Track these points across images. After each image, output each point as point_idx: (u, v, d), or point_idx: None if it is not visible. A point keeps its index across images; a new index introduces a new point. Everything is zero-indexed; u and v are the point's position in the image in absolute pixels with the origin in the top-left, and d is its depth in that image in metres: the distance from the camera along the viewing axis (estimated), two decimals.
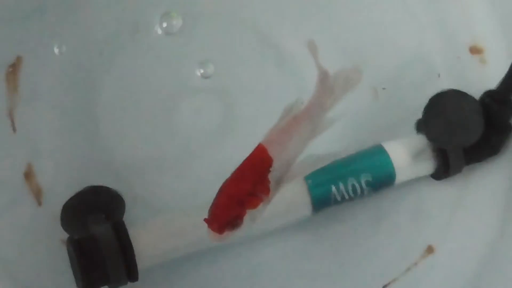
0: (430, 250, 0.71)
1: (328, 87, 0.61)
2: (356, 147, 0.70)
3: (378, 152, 0.69)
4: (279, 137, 0.59)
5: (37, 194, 0.69)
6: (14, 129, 0.70)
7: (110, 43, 0.74)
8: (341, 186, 0.67)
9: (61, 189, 0.68)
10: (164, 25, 0.75)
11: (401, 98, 0.75)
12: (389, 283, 0.70)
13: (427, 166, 0.70)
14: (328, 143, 0.71)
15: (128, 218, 0.66)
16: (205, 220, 0.56)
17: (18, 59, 0.71)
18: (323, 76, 0.61)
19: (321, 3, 0.77)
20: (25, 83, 0.71)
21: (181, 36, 0.75)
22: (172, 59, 0.74)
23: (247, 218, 0.57)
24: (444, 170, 0.70)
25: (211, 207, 0.57)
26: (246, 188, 0.57)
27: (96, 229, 0.63)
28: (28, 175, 0.69)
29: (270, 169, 0.58)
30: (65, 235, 0.65)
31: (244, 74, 0.75)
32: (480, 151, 0.71)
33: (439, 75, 0.76)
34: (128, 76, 0.74)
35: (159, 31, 0.75)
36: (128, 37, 0.74)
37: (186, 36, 0.75)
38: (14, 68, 0.71)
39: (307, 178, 0.67)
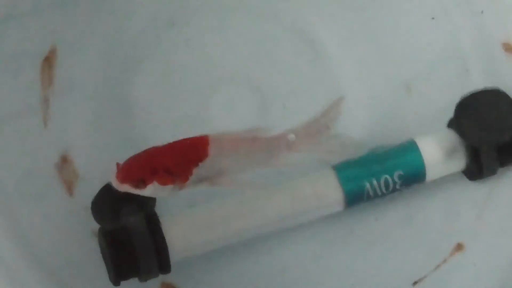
0: (459, 247, 0.71)
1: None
2: (388, 142, 0.70)
3: (411, 148, 0.69)
4: (227, 143, 0.60)
5: (69, 185, 0.69)
6: (47, 120, 0.71)
7: (145, 34, 0.74)
8: (374, 181, 0.67)
9: (93, 181, 0.68)
10: (200, 20, 0.75)
11: (433, 94, 0.75)
12: (419, 280, 0.69)
13: (459, 163, 0.70)
14: (360, 137, 0.72)
15: (160, 210, 0.66)
16: (116, 164, 0.58)
17: (53, 50, 0.72)
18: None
19: (358, 6, 0.77)
20: (60, 74, 0.71)
21: (215, 30, 0.75)
22: (206, 53, 0.75)
23: (151, 188, 0.59)
24: (476, 168, 0.70)
25: (130, 157, 0.59)
26: (167, 163, 0.59)
27: (128, 220, 0.63)
28: (61, 166, 0.70)
29: (200, 163, 0.59)
30: (96, 226, 0.65)
31: (278, 69, 0.75)
32: None
33: (467, 71, 0.75)
34: (163, 68, 0.74)
35: (194, 26, 0.75)
36: (163, 29, 0.74)
37: (220, 31, 0.75)
38: (49, 59, 0.71)
39: (339, 172, 0.67)
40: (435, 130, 0.70)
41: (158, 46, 0.74)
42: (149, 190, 0.59)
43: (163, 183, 0.59)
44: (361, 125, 0.73)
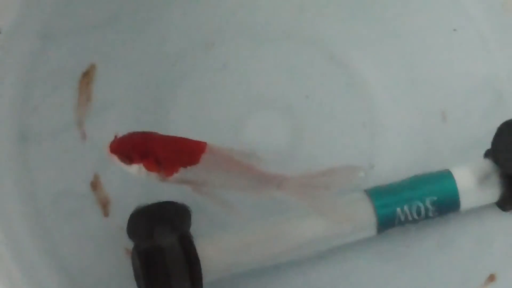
0: (492, 278, 0.70)
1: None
2: (422, 170, 0.70)
3: (445, 177, 0.69)
4: (222, 159, 0.61)
5: (104, 204, 0.70)
6: (84, 138, 0.71)
7: (183, 56, 0.75)
8: (406, 207, 0.67)
9: (128, 200, 0.68)
10: (238, 42, 0.76)
11: (469, 123, 0.74)
12: None
13: (494, 193, 0.70)
14: (395, 163, 0.72)
15: (194, 231, 0.66)
16: (115, 135, 0.61)
17: (92, 67, 0.72)
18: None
19: (393, 26, 0.77)
20: (97, 93, 0.72)
21: (252, 54, 0.76)
22: (242, 77, 0.75)
23: (136, 168, 0.60)
24: (511, 198, 0.69)
25: (130, 132, 0.61)
26: (160, 153, 0.60)
27: (163, 240, 0.63)
28: (96, 185, 0.70)
29: (188, 166, 0.60)
30: (130, 245, 0.65)
31: (313, 94, 0.75)
32: None
33: (503, 100, 0.75)
34: (199, 90, 0.74)
35: (232, 48, 0.75)
36: (201, 52, 0.75)
37: (257, 55, 0.76)
38: (87, 76, 0.72)
39: (373, 198, 0.67)
40: (470, 159, 0.70)
41: (195, 68, 0.75)
42: (133, 169, 0.61)
43: (149, 169, 0.60)
44: (395, 153, 0.73)
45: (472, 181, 0.69)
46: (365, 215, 0.67)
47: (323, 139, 0.73)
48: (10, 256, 0.65)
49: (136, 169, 0.61)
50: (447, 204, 0.68)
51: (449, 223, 0.71)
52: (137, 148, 0.60)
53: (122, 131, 0.69)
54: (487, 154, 0.71)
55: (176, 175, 0.61)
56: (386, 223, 0.67)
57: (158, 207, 0.66)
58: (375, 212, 0.67)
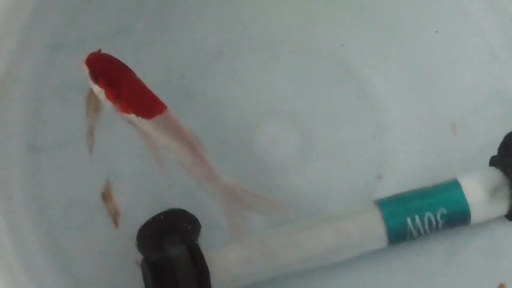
0: None
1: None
2: (431, 180, 0.70)
3: (454, 187, 0.69)
4: (169, 127, 0.61)
5: (114, 215, 0.70)
6: (93, 150, 0.71)
7: (194, 66, 0.75)
8: (417, 219, 0.67)
9: (138, 211, 0.69)
10: (248, 53, 0.76)
11: (478, 133, 0.74)
12: None
13: (504, 206, 0.69)
14: (404, 174, 0.72)
15: (203, 242, 0.66)
16: (99, 49, 0.63)
17: None
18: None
19: (403, 39, 0.77)
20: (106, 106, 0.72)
21: (262, 64, 0.76)
22: (253, 86, 0.75)
23: (96, 89, 0.61)
24: None
25: (112, 57, 0.62)
26: (123, 92, 0.61)
27: (172, 251, 0.64)
28: (106, 196, 0.70)
29: (139, 116, 0.61)
30: (140, 257, 0.65)
31: (323, 104, 0.75)
32: None
33: None
34: (209, 99, 0.74)
35: (242, 59, 0.76)
36: (212, 61, 0.75)
37: (267, 64, 0.76)
38: None
39: (382, 209, 0.67)
40: (480, 168, 0.70)
41: (205, 79, 0.75)
42: (94, 89, 0.62)
43: (107, 96, 0.61)
44: (404, 163, 0.73)
45: (483, 195, 0.69)
46: (374, 226, 0.67)
47: (332, 150, 0.73)
48: (20, 267, 0.64)
49: (97, 90, 0.62)
50: (457, 218, 0.68)
51: (458, 234, 0.71)
52: (107, 74, 0.62)
53: (131, 142, 0.70)
54: (493, 162, 0.71)
55: (126, 115, 0.62)
56: (397, 234, 0.67)
57: (168, 217, 0.67)
58: (385, 222, 0.67)
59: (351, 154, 0.73)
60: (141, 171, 0.71)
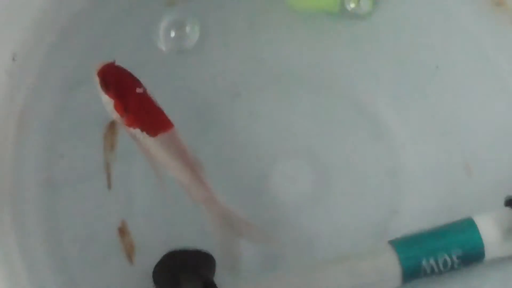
0: None
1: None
2: (446, 219, 0.70)
3: (469, 226, 0.69)
4: (173, 146, 0.62)
5: (130, 252, 0.70)
6: (109, 185, 0.72)
7: (211, 104, 0.75)
8: (432, 259, 0.67)
9: (153, 247, 0.69)
10: (264, 91, 0.76)
11: (493, 173, 0.74)
12: None
13: None
14: (418, 212, 0.72)
15: (218, 280, 0.66)
16: (114, 59, 0.62)
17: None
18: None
19: (418, 79, 0.77)
20: (123, 139, 0.72)
21: (279, 103, 0.76)
22: (269, 125, 0.75)
23: (106, 99, 0.61)
24: None
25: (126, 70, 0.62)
26: (131, 106, 0.61)
27: None
28: (122, 231, 0.70)
29: (144, 132, 0.61)
30: None
31: (339, 142, 0.75)
32: None
33: None
34: (226, 138, 0.75)
35: (259, 96, 0.76)
36: (228, 100, 0.76)
37: (284, 103, 0.76)
38: (113, 124, 0.72)
39: (398, 250, 0.67)
40: (495, 208, 0.70)
41: (222, 116, 0.75)
42: (103, 98, 0.62)
43: (115, 108, 0.61)
44: (419, 202, 0.73)
45: (497, 233, 0.68)
46: (390, 266, 0.67)
47: (347, 188, 0.73)
48: None
49: (106, 100, 0.62)
50: (472, 257, 0.68)
51: (472, 272, 0.70)
52: (118, 86, 0.61)
53: (148, 178, 0.71)
54: (508, 202, 0.71)
55: (131, 130, 0.62)
56: (411, 274, 0.67)
57: (183, 254, 0.67)
58: (400, 263, 0.67)
59: (366, 193, 0.73)
60: (157, 207, 0.71)
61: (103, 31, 0.76)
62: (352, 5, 0.78)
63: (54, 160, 0.71)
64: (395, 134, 0.75)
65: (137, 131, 0.62)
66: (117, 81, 0.62)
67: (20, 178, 0.70)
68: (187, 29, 0.76)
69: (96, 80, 0.62)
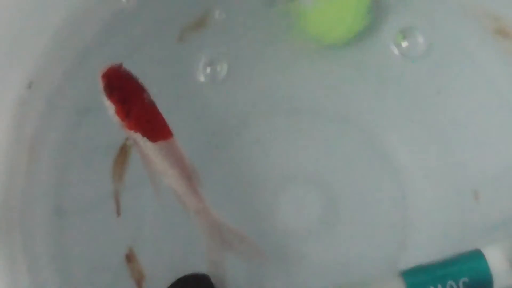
0: None
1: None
2: (454, 249, 0.70)
3: (477, 257, 0.68)
4: (171, 154, 0.62)
5: (138, 278, 0.70)
6: (118, 213, 0.72)
7: (219, 133, 0.76)
8: (439, 286, 0.67)
9: (162, 274, 0.69)
10: (272, 119, 0.77)
11: (501, 201, 0.74)
12: None
13: None
14: (427, 241, 0.72)
15: None
16: (121, 64, 0.62)
17: (126, 143, 0.73)
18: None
19: (425, 107, 0.77)
20: (132, 167, 0.73)
21: (285, 131, 0.76)
22: (276, 152, 0.76)
23: (108, 104, 0.61)
24: None
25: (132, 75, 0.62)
26: (134, 112, 0.61)
27: None
28: (130, 258, 0.71)
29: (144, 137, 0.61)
30: None
31: (345, 170, 0.75)
32: None
33: None
34: (234, 164, 0.75)
35: (267, 124, 0.76)
36: (236, 127, 0.76)
37: (290, 131, 0.76)
38: (123, 151, 0.73)
39: (405, 277, 0.67)
40: (503, 238, 0.70)
41: (230, 143, 0.75)
42: (105, 103, 0.61)
43: (117, 113, 0.61)
44: (428, 230, 0.73)
45: (505, 263, 0.68)
46: None
47: (355, 216, 0.74)
48: None
49: (108, 104, 0.61)
50: (479, 285, 0.68)
51: None
52: (122, 91, 0.61)
53: (156, 205, 0.71)
54: None
55: (132, 133, 0.62)
56: None
57: (191, 280, 0.67)
58: None
59: (374, 221, 0.73)
60: (165, 235, 0.72)
61: (114, 59, 0.76)
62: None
63: (63, 187, 0.72)
64: (403, 163, 0.75)
65: (137, 135, 0.62)
66: (121, 86, 0.62)
67: (30, 205, 0.70)
68: (200, 64, 0.77)
69: (100, 83, 0.62)
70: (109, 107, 0.62)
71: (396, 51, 0.77)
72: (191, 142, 0.74)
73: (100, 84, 0.62)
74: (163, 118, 0.62)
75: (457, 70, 0.77)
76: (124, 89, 0.61)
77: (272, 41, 0.78)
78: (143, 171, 0.71)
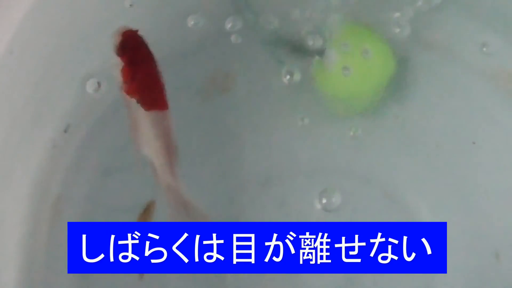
0: None
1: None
2: None
3: None
4: (161, 128, 0.62)
5: None
6: (141, 276, 0.71)
7: (241, 192, 0.76)
8: None
9: None
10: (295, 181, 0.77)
11: None
12: None
13: None
14: None
15: None
16: (137, 29, 0.62)
17: (151, 203, 0.74)
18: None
19: (447, 168, 0.78)
20: None
21: (310, 191, 0.76)
22: (300, 215, 0.76)
23: (114, 64, 0.61)
24: None
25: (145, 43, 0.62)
26: (139, 75, 0.61)
27: None
28: None
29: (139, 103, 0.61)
30: None
31: None
32: None
33: None
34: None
35: (290, 186, 0.77)
36: (259, 188, 0.76)
37: (315, 192, 0.76)
38: (147, 211, 0.73)
39: None
40: None
41: (253, 204, 0.76)
42: (114, 60, 0.61)
43: (122, 73, 0.61)
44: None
45: None
46: None
47: (379, 279, 0.73)
48: None
49: (116, 62, 0.62)
50: None
51: None
52: (134, 54, 0.62)
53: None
54: None
55: (128, 98, 0.62)
56: None
57: None
58: None
59: (398, 282, 0.73)
60: None
61: None
62: None
63: None
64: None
65: (132, 101, 0.62)
66: (134, 48, 0.62)
67: (53, 266, 0.70)
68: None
69: (115, 40, 0.62)
70: (117, 65, 0.62)
71: None
72: (212, 206, 0.74)
73: (114, 41, 0.62)
74: (164, 89, 0.63)
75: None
76: (136, 52, 0.62)
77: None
78: None
